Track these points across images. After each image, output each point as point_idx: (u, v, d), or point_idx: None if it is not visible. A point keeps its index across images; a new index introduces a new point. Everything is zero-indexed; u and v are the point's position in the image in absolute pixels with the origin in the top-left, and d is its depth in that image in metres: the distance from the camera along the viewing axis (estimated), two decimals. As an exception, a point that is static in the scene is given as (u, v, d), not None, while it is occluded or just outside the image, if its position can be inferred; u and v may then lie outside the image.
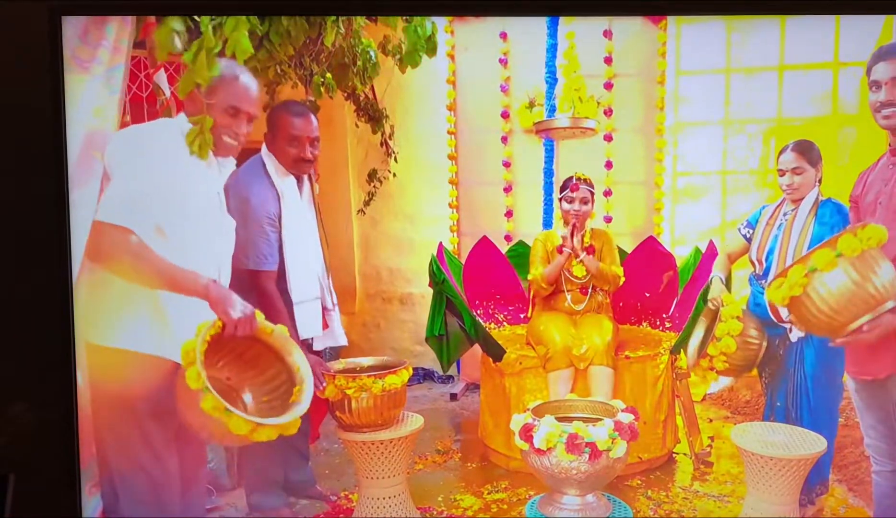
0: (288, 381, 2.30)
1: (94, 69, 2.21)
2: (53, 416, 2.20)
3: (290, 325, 2.55)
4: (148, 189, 2.07)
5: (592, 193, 3.34)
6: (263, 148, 2.63)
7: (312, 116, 2.64)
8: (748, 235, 2.93)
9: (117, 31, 2.29)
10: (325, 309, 2.82)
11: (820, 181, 2.76)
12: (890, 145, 2.33)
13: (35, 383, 2.21)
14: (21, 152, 2.20)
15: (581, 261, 3.29)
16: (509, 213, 4.62)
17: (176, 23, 2.18)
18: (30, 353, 2.22)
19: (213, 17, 2.21)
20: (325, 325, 2.82)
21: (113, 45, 2.27)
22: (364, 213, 4.52)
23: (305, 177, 2.72)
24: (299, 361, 2.30)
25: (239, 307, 2.16)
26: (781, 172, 2.80)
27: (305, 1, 2.50)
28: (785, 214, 2.81)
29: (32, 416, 2.23)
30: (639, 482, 3.13)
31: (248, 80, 2.27)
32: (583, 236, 3.32)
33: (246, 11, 2.27)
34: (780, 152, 2.81)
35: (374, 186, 4.51)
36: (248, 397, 2.32)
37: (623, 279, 3.37)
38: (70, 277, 2.16)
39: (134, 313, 2.12)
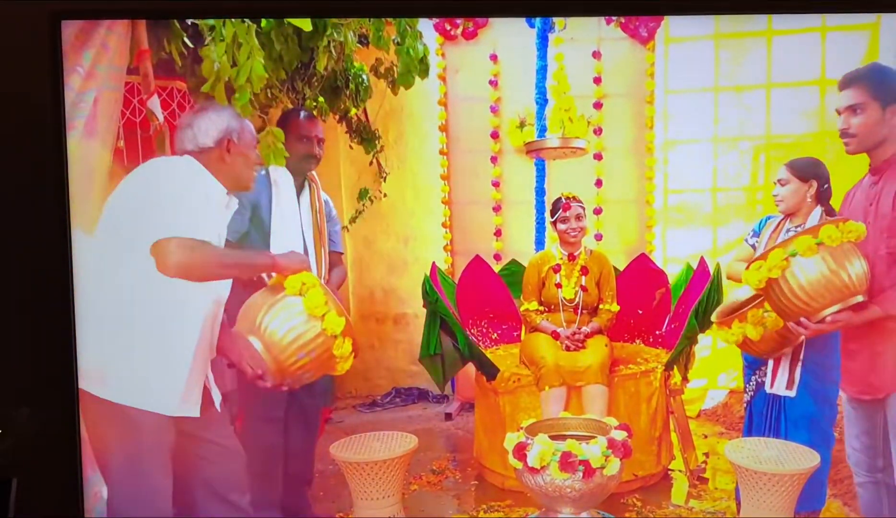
0: None
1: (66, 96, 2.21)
2: (56, 421, 2.21)
3: None
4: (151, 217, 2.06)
5: (584, 208, 3.38)
6: None
7: (319, 120, 2.96)
8: (755, 244, 2.89)
9: (94, 57, 2.28)
10: None
11: (817, 197, 2.72)
12: (870, 164, 2.36)
13: (38, 388, 2.22)
14: (21, 156, 2.19)
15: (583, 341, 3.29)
16: (498, 233, 4.64)
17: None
18: (32, 358, 2.22)
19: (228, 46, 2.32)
20: None
21: (87, 71, 2.27)
22: (348, 230, 4.51)
23: (309, 184, 2.90)
24: None
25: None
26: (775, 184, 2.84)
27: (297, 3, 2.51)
28: (788, 231, 2.76)
29: (35, 421, 2.22)
30: (634, 500, 3.13)
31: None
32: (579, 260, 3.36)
33: (238, 14, 2.34)
34: None
35: (364, 205, 4.53)
36: None
37: (618, 309, 3.41)
38: (72, 282, 2.17)
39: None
